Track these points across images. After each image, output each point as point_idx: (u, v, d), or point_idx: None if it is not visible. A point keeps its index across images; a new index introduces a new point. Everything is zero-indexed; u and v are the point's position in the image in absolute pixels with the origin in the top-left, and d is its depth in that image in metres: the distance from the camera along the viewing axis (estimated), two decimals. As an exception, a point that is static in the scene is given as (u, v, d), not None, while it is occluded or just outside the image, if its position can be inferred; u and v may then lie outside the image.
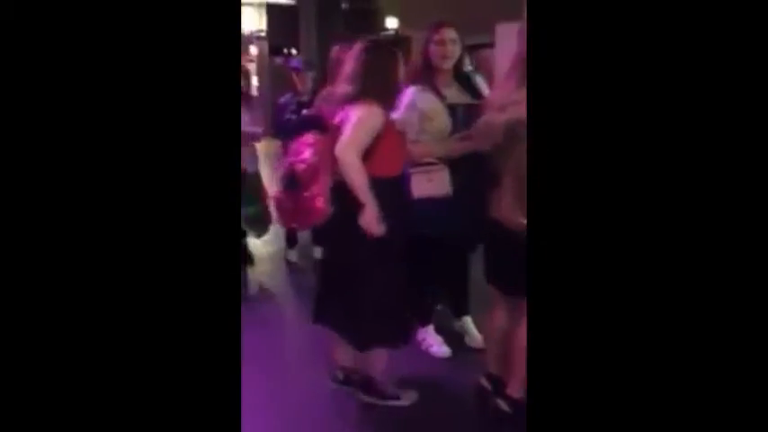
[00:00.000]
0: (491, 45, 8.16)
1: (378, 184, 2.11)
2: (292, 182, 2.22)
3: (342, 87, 2.25)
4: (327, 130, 3.14)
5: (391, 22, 11.13)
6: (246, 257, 4.24)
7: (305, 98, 4.08)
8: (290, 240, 4.35)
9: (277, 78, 9.74)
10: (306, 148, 2.26)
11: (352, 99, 2.18)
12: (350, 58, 2.23)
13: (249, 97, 4.05)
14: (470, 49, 2.83)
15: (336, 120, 2.24)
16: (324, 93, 3.42)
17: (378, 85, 2.15)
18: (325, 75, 3.71)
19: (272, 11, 11.41)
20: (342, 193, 2.14)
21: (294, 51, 11.23)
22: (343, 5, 11.02)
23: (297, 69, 4.09)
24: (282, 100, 4.14)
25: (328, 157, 2.21)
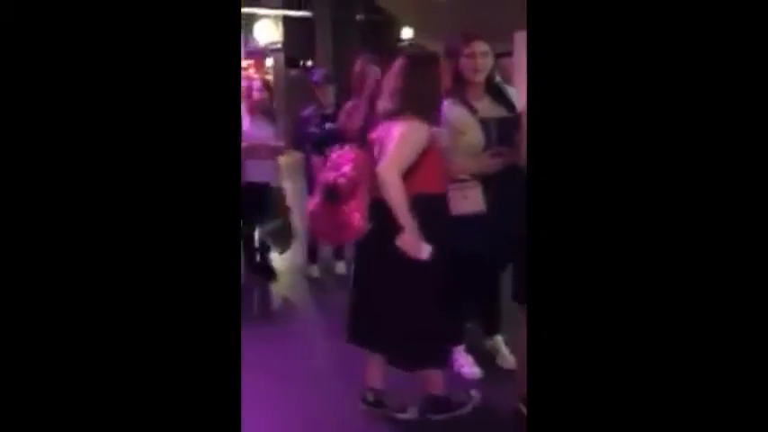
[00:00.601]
0: (509, 54, 8.14)
1: (421, 201, 2.07)
2: (332, 196, 2.17)
3: (383, 103, 2.21)
4: (351, 142, 3.11)
5: (407, 33, 11.14)
6: (269, 272, 4.19)
7: (328, 111, 4.05)
8: (312, 255, 4.29)
9: (293, 90, 9.74)
10: (346, 162, 2.21)
11: (394, 115, 2.13)
12: (391, 74, 2.20)
13: (272, 111, 4.00)
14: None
15: (375, 134, 2.20)
16: (348, 106, 3.37)
17: (420, 101, 2.12)
18: (347, 88, 3.68)
19: (288, 23, 11.45)
20: (380, 211, 2.09)
21: (310, 63, 11.25)
22: (358, 17, 11.04)
23: (317, 83, 4.06)
24: (305, 113, 4.11)
25: (368, 173, 2.16)
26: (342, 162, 2.22)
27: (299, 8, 11.04)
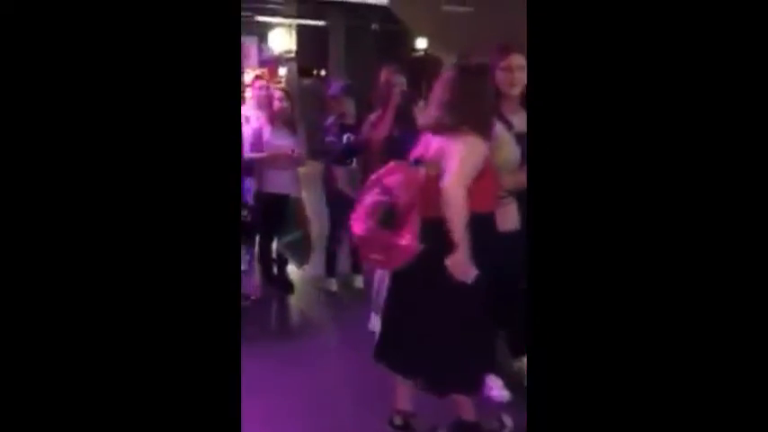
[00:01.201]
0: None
1: (473, 221, 1.98)
2: (387, 220, 2.05)
3: (432, 115, 2.12)
4: (377, 154, 3.03)
5: (421, 43, 11.09)
6: (286, 285, 4.11)
7: (350, 121, 3.98)
8: (330, 268, 4.21)
9: (307, 99, 9.69)
10: (399, 184, 2.10)
11: (446, 129, 2.04)
12: (440, 85, 2.11)
13: (293, 121, 3.93)
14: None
15: (423, 150, 2.10)
16: (372, 117, 3.29)
17: (476, 115, 2.04)
18: (363, 98, 3.62)
19: (301, 32, 11.42)
20: (429, 231, 2.01)
21: (323, 72, 11.22)
22: (373, 26, 11.00)
23: (335, 96, 3.99)
24: (327, 123, 4.06)
25: (419, 193, 2.07)
26: (390, 182, 2.12)
27: (313, 17, 11.01)
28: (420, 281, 2.06)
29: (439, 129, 2.07)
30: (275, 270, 4.10)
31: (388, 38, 11.21)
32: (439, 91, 2.10)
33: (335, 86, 4.07)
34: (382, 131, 3.00)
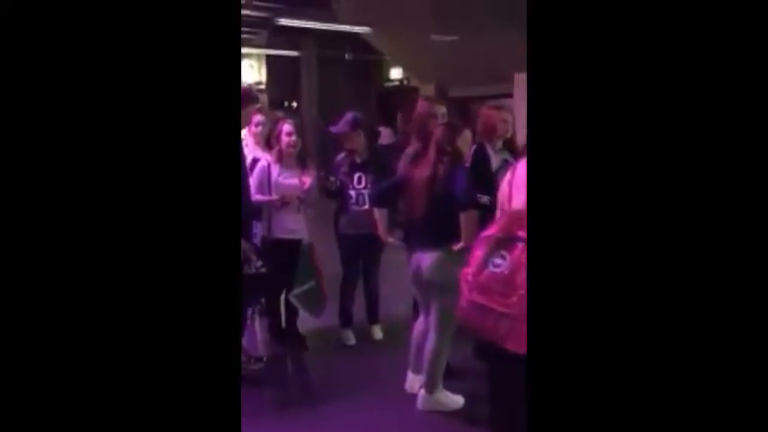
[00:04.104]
0: (510, 95, 7.94)
1: None
2: (500, 288, 1.70)
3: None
4: (417, 196, 2.65)
5: (395, 73, 10.89)
6: (298, 341, 3.64)
7: (361, 158, 3.61)
8: (345, 318, 3.77)
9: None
10: (515, 250, 1.77)
11: None
12: None
13: (305, 157, 3.52)
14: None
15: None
16: (409, 152, 2.89)
17: None
18: (405, 133, 3.25)
19: (271, 62, 11.06)
20: None
21: (295, 104, 10.85)
22: (347, 56, 10.74)
23: (344, 132, 3.60)
24: (338, 160, 3.68)
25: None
26: (514, 251, 1.79)
27: (284, 47, 10.68)
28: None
29: None
30: (284, 323, 3.65)
31: (362, 68, 10.97)
32: None
33: (343, 121, 3.63)
34: (425, 169, 2.62)
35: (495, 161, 3.42)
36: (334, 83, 10.67)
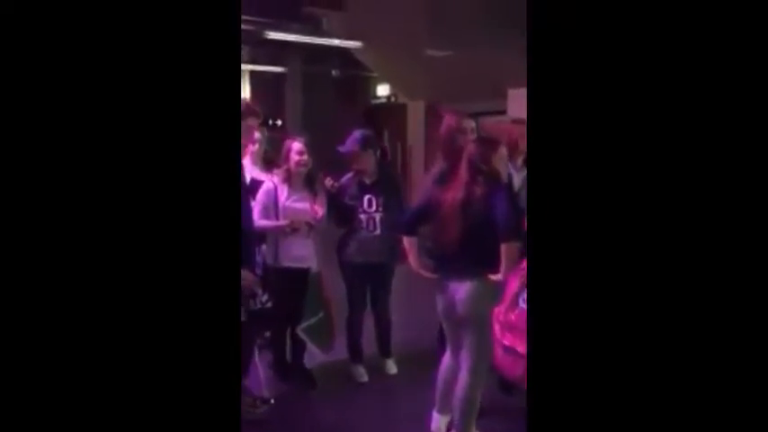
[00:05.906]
0: (503, 111, 7.77)
1: None
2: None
3: None
4: (449, 221, 2.37)
5: (382, 90, 10.67)
6: (306, 378, 3.34)
7: (371, 178, 3.34)
8: (355, 353, 3.47)
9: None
10: None
11: None
12: None
13: (314, 179, 3.24)
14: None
15: None
16: (435, 172, 2.63)
17: None
18: (427, 151, 3.00)
19: (255, 78, 10.77)
20: None
21: (279, 122, 10.55)
22: (334, 72, 10.50)
23: (355, 152, 3.31)
24: (344, 181, 3.40)
25: None
26: None
27: (269, 63, 10.40)
28: None
29: None
30: (289, 358, 3.34)
31: (348, 84, 10.73)
32: None
33: (351, 139, 3.33)
34: (458, 191, 2.35)
35: (517, 180, 3.18)
36: (319, 99, 10.40)
